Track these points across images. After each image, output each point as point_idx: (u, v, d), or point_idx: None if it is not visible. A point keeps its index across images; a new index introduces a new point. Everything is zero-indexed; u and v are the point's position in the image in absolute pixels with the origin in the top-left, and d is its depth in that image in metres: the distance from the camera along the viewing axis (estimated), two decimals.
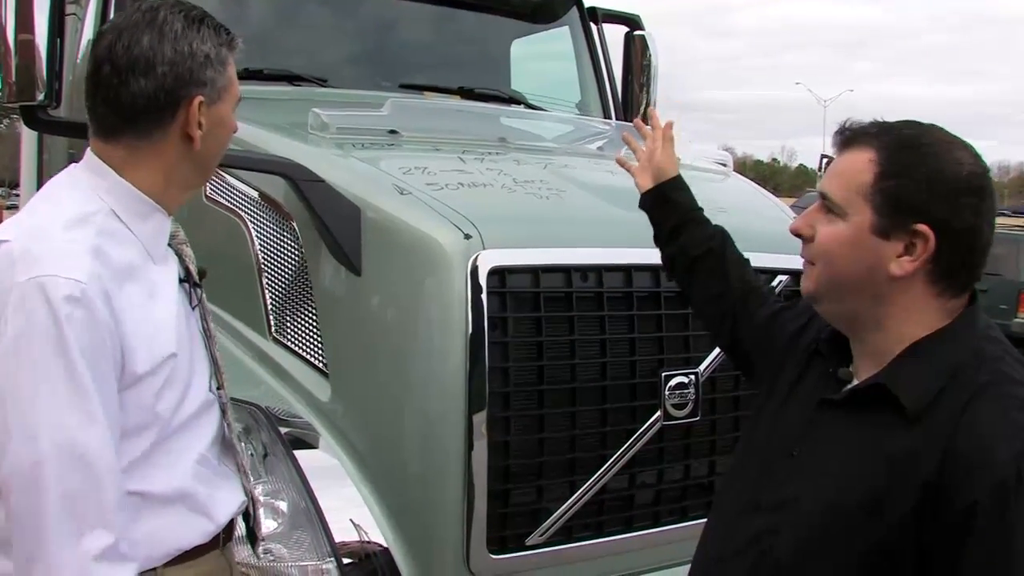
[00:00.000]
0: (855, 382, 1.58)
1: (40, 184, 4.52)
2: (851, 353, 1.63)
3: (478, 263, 2.39)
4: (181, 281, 1.75)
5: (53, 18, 3.09)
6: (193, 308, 1.78)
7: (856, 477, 1.47)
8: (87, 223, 1.55)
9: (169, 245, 1.75)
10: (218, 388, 1.81)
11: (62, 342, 1.43)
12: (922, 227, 1.46)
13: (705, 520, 1.91)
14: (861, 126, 1.58)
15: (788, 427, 1.65)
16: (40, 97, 3.10)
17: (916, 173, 1.47)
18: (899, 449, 1.43)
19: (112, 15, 3.88)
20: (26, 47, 2.84)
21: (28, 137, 5.17)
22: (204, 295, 1.83)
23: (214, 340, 1.85)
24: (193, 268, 1.80)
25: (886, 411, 1.47)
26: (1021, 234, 14.24)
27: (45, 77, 3.14)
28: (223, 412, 1.82)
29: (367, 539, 2.41)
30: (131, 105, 1.60)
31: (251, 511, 1.91)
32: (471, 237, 2.42)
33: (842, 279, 1.54)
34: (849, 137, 1.57)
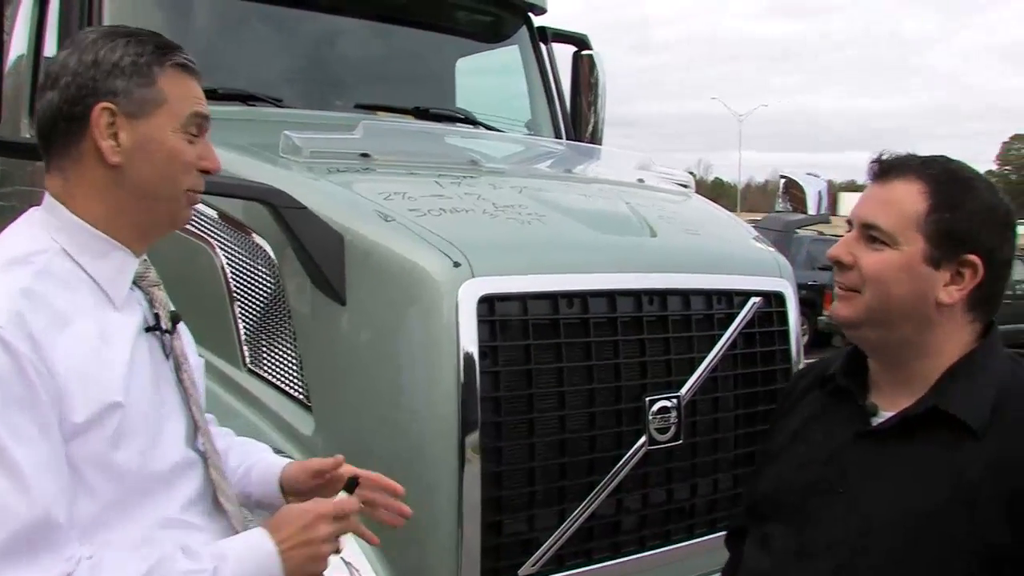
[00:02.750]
0: (886, 413, 1.61)
1: None
2: (866, 385, 1.66)
3: (468, 291, 2.36)
4: (149, 329, 1.62)
5: None
6: (167, 357, 1.65)
7: (932, 489, 1.51)
8: (26, 263, 1.48)
9: (140, 287, 1.64)
10: (204, 444, 1.68)
11: None
12: (972, 257, 1.54)
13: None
14: (899, 157, 1.62)
15: (812, 469, 1.66)
16: None
17: (968, 206, 1.55)
18: (975, 462, 1.49)
19: (48, 29, 3.73)
20: None
21: None
22: (179, 344, 1.68)
23: (192, 395, 1.68)
24: (163, 314, 1.66)
25: (941, 430, 1.53)
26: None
27: None
28: (207, 470, 1.68)
29: (356, 574, 2.35)
30: (41, 119, 1.56)
31: None
32: (460, 265, 2.39)
33: (893, 306, 1.57)
34: (888, 168, 1.61)
